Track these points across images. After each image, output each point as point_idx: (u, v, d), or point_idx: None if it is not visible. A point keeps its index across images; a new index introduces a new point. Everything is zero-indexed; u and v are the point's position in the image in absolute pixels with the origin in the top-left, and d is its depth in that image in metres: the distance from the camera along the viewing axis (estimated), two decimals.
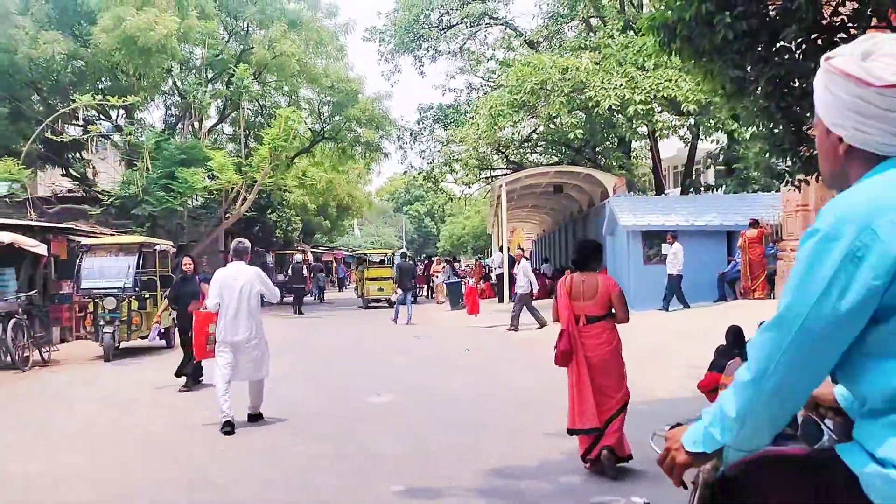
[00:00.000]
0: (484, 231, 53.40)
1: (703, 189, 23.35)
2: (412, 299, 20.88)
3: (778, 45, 6.05)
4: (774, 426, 1.65)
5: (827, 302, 1.49)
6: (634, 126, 18.73)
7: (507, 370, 11.31)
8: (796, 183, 7.17)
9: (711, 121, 18.44)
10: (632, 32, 21.64)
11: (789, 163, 6.66)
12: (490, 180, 35.82)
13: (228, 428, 7.28)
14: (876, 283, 1.46)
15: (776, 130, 6.67)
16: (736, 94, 6.90)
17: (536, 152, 32.63)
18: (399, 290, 20.66)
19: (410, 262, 24.60)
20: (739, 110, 6.55)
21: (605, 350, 5.76)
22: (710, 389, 7.84)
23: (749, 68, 6.30)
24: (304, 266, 27.74)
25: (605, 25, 25.26)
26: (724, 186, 20.46)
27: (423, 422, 7.70)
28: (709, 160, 22.36)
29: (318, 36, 26.29)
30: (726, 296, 17.47)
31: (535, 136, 27.37)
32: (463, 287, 24.81)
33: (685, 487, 1.88)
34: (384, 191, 79.43)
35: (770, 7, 5.86)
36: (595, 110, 18.25)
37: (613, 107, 17.63)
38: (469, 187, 34.72)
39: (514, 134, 22.11)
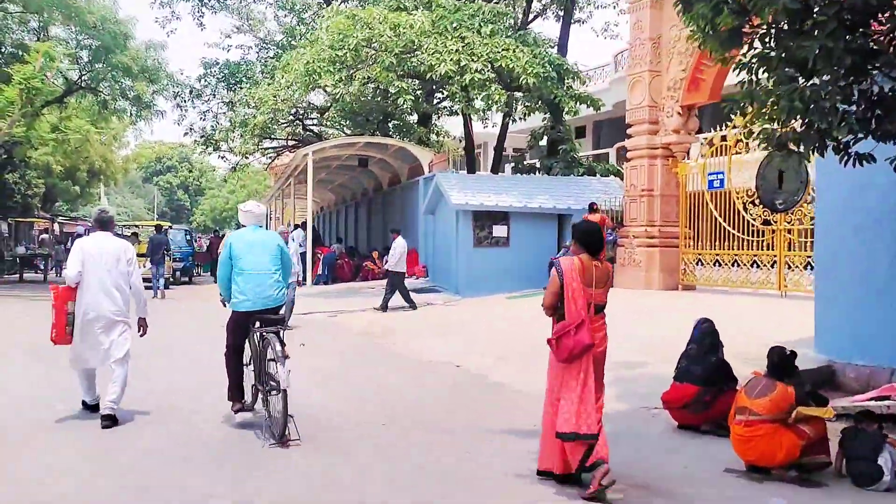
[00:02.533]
0: None
1: (524, 170, 22.49)
2: (164, 275, 19.94)
3: None
4: (225, 290, 6.58)
5: (224, 254, 6.55)
6: (471, 97, 17.18)
7: (379, 372, 9.19)
8: (807, 158, 5.85)
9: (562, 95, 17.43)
10: None
11: (823, 125, 5.24)
12: (269, 152, 32.83)
13: (108, 422, 6.27)
14: (228, 250, 6.51)
15: (816, 81, 5.27)
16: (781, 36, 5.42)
17: (325, 125, 30.12)
18: (150, 265, 19.46)
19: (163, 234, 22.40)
20: (795, 50, 4.99)
21: (605, 342, 5.12)
22: (682, 405, 6.39)
23: None
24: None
25: None
26: (552, 168, 19.68)
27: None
28: (532, 140, 21.58)
29: None
30: None
31: (334, 106, 24.92)
32: None
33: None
34: (140, 156, 71.63)
35: None
36: (429, 75, 16.42)
37: (450, 73, 15.93)
38: (246, 157, 31.40)
39: (334, 95, 19.52)
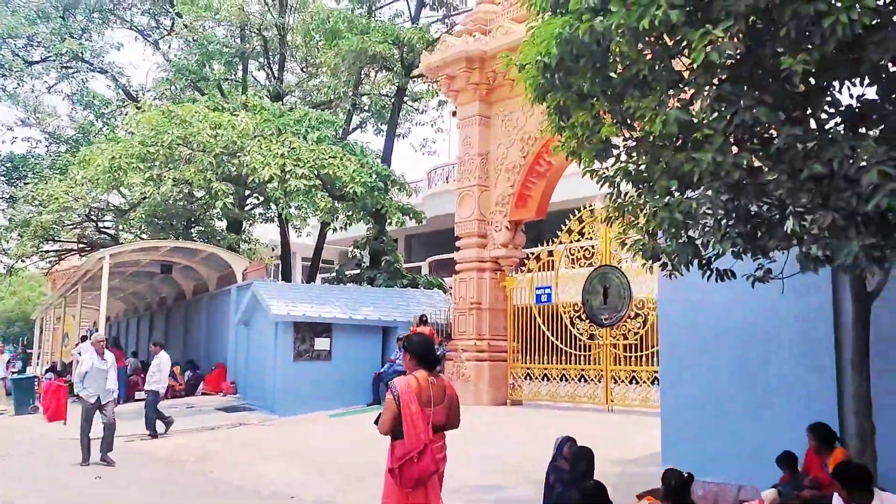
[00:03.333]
0: (26, 315, 44.79)
1: (344, 280, 21.76)
2: None
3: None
4: None
5: None
6: (289, 202, 16.46)
7: None
8: (679, 272, 5.79)
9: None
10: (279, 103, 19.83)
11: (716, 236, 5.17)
12: (49, 255, 29.68)
13: None
14: None
15: (690, 194, 5.28)
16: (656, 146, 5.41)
17: (122, 228, 27.82)
18: None
19: None
20: (691, 166, 4.90)
21: (444, 463, 4.85)
22: None
23: (702, 109, 4.83)
24: None
25: (221, 93, 22.73)
26: (375, 279, 19.19)
27: None
28: (356, 249, 21.05)
29: None
30: (381, 398, 15.91)
31: (141, 206, 23.06)
32: (36, 383, 19.08)
33: None
34: None
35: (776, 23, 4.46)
36: (251, 178, 15.62)
37: (274, 177, 15.23)
38: (23, 261, 28.10)
39: (143, 194, 17.99)
